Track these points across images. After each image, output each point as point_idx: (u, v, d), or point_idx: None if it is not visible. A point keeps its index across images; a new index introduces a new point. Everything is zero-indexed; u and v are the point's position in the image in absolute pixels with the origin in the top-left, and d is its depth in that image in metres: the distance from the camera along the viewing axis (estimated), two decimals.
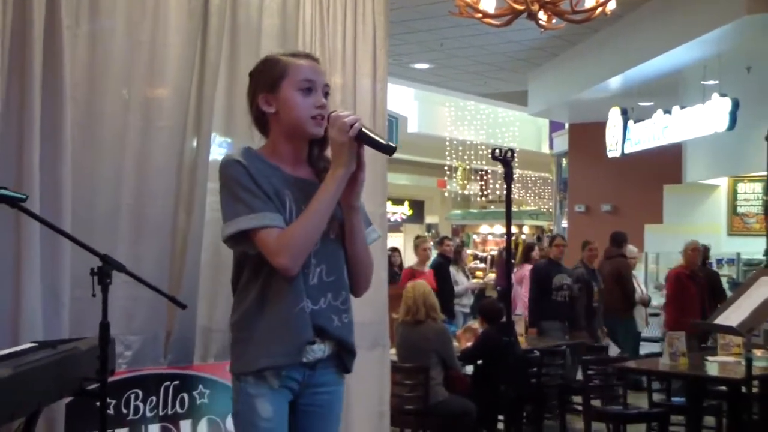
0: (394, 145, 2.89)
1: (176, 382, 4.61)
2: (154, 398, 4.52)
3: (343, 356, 3.02)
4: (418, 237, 12.00)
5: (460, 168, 25.08)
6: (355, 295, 3.06)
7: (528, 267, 11.77)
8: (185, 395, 4.63)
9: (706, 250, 10.89)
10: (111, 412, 4.23)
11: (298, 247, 2.78)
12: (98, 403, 3.47)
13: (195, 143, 4.85)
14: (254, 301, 2.86)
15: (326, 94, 2.95)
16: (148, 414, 4.49)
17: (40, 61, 4.14)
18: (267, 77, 2.94)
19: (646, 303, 11.42)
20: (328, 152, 2.96)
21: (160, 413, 4.54)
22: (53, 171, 4.18)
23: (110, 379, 3.55)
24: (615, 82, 13.02)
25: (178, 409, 4.60)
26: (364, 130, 2.84)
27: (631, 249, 11.90)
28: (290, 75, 2.91)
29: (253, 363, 2.85)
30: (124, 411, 4.40)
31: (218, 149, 5.08)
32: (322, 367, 2.97)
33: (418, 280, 8.92)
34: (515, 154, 3.83)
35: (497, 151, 3.70)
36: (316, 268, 2.89)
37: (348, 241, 2.97)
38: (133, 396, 4.45)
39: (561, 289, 9.87)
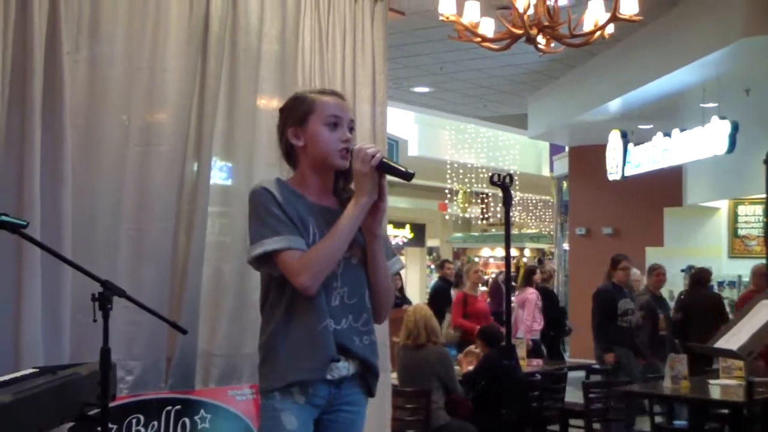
0: (412, 172, 3.04)
1: (178, 407, 4.61)
2: (155, 423, 4.52)
3: (367, 377, 3.14)
4: (468, 261, 11.62)
5: (461, 191, 25.09)
6: (376, 321, 3.18)
7: (530, 290, 11.74)
8: (187, 420, 4.63)
9: (708, 273, 10.85)
10: None
11: (318, 267, 2.93)
12: (99, 428, 3.46)
13: (195, 167, 4.87)
14: (280, 321, 3.00)
15: (351, 129, 3.13)
16: None
17: (40, 86, 4.17)
18: (296, 113, 3.10)
19: None
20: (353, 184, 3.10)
21: None
22: (54, 197, 4.20)
23: (111, 404, 3.54)
24: (614, 105, 13.04)
25: None
26: (384, 160, 3.02)
27: (634, 272, 11.86)
28: (317, 111, 3.07)
29: (280, 379, 2.98)
30: None
31: (219, 173, 5.11)
32: (347, 387, 3.09)
33: (419, 304, 8.92)
34: (515, 178, 3.84)
35: (496, 176, 3.72)
36: (339, 291, 3.04)
37: (370, 267, 3.12)
38: (134, 421, 4.44)
39: (626, 314, 9.44)
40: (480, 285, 11.04)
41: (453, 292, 12.79)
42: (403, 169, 3.05)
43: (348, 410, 3.12)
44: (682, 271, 13.13)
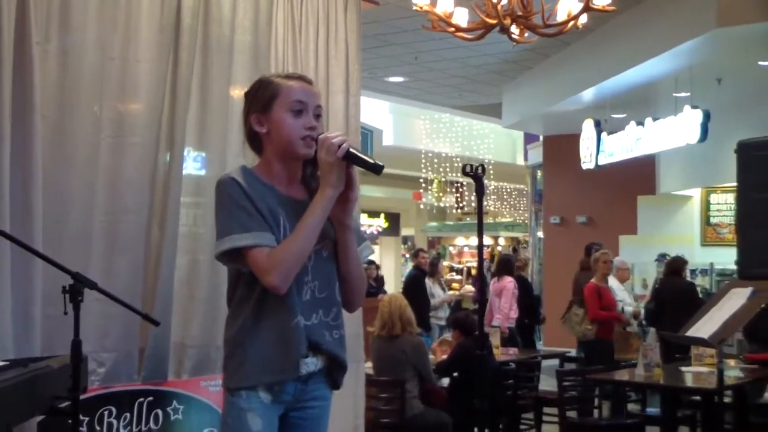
0: (381, 165, 2.93)
1: (150, 399, 4.60)
2: (128, 415, 4.51)
3: (333, 371, 3.08)
4: (597, 249, 10.61)
5: (436, 180, 25.12)
6: (348, 311, 3.13)
7: (508, 279, 11.75)
8: (159, 411, 4.62)
9: (683, 261, 10.84)
10: (84, 429, 4.22)
11: (287, 265, 2.82)
12: (70, 421, 3.45)
13: (168, 158, 4.85)
14: (249, 317, 2.91)
15: (318, 116, 3.00)
16: (122, 431, 4.47)
17: (9, 77, 4.13)
18: (260, 98, 2.98)
19: (637, 316, 11.28)
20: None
21: (134, 430, 4.52)
22: (24, 188, 4.17)
23: (83, 397, 3.54)
24: (588, 94, 13.08)
25: (152, 425, 4.59)
26: (351, 150, 2.89)
27: (622, 261, 11.87)
28: (282, 96, 2.95)
29: (250, 378, 2.90)
30: (98, 428, 4.39)
31: (192, 164, 5.09)
32: (313, 381, 3.02)
33: (394, 294, 8.90)
34: (490, 167, 3.86)
35: (468, 166, 3.70)
36: (310, 285, 2.95)
37: (341, 258, 3.03)
38: (106, 413, 4.43)
39: None
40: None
41: (427, 281, 12.81)
42: (371, 161, 2.94)
43: (315, 405, 3.05)
44: (656, 260, 13.18)
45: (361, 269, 3.14)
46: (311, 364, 2.98)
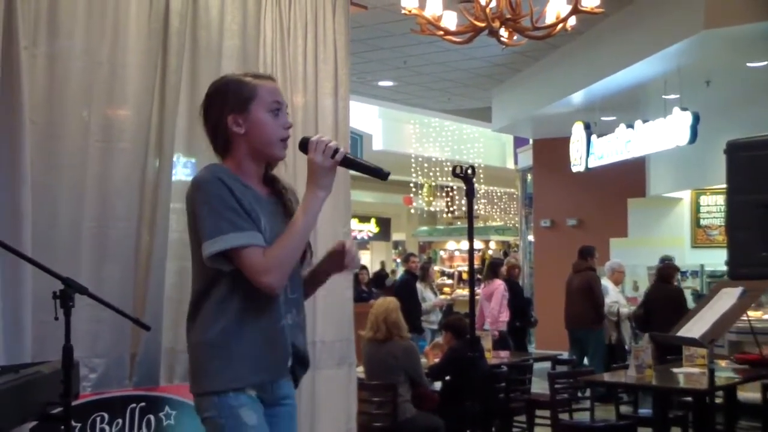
0: (387, 171, 2.95)
1: (142, 404, 4.59)
2: (120, 420, 4.50)
3: (297, 370, 3.11)
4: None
5: (426, 185, 25.14)
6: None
7: (498, 282, 11.77)
8: (151, 417, 4.61)
9: (673, 269, 10.86)
10: None
11: (284, 266, 2.86)
12: (63, 427, 3.44)
13: (157, 163, 4.84)
14: (234, 318, 2.88)
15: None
16: None
17: None
18: (236, 97, 2.98)
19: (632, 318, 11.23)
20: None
21: None
22: (13, 194, 4.16)
23: (75, 403, 3.53)
24: (577, 97, 13.10)
25: (144, 431, 4.58)
26: (349, 155, 2.94)
27: (619, 264, 11.89)
28: (259, 96, 2.97)
29: (241, 379, 2.89)
30: None
31: (182, 169, 5.08)
32: (283, 380, 3.06)
33: (385, 298, 8.89)
34: (480, 170, 3.86)
35: (458, 168, 3.71)
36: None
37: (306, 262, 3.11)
38: (98, 419, 4.42)
39: None
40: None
41: (419, 286, 12.81)
42: (373, 166, 2.97)
43: (286, 403, 3.07)
44: (659, 263, 13.12)
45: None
46: None
